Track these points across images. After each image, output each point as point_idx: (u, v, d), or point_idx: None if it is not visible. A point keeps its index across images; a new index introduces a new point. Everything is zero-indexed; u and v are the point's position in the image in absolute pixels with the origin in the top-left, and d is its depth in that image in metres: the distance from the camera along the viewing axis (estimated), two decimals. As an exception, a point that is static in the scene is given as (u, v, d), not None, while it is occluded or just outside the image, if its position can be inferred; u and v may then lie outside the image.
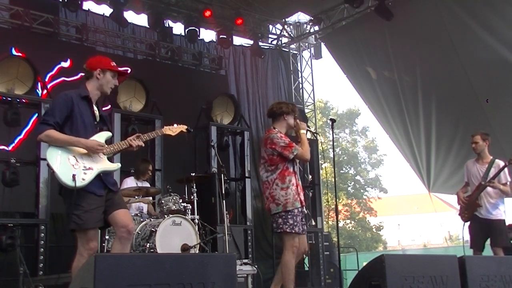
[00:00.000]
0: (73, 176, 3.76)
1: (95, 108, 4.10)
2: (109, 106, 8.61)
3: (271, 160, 4.93)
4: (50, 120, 3.89)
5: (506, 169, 6.23)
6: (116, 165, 4.11)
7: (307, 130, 5.32)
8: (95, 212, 3.86)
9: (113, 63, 4.18)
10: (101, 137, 4.04)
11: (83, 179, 3.82)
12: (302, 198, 4.94)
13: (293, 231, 4.78)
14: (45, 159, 7.44)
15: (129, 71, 9.62)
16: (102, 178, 3.95)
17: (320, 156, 10.96)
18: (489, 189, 6.23)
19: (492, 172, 6.22)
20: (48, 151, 3.87)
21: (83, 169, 3.85)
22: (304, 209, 4.98)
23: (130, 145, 4.09)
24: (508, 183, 6.24)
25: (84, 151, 3.91)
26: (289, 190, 4.85)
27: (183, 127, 4.49)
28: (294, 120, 5.19)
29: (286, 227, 4.78)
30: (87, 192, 3.85)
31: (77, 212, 3.80)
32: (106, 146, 4.02)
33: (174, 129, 4.44)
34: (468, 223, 6.45)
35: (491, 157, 6.36)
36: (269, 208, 4.92)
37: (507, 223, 6.44)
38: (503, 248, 6.19)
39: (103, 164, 3.97)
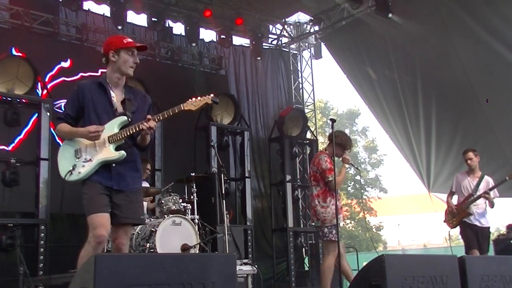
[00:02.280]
0: (71, 169, 3.77)
1: (112, 94, 3.91)
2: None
3: (314, 177, 5.72)
4: (61, 114, 3.93)
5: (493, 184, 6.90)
6: (117, 154, 3.81)
7: (351, 165, 5.92)
8: (97, 199, 3.73)
9: (127, 40, 3.97)
10: (115, 123, 3.85)
11: (79, 172, 3.77)
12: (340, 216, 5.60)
13: (336, 239, 5.50)
14: (45, 159, 7.53)
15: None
16: (112, 169, 3.80)
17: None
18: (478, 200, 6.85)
19: (482, 185, 6.88)
20: (63, 144, 3.93)
21: (83, 162, 3.79)
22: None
23: (141, 129, 3.79)
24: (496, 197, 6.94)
25: (90, 142, 3.81)
26: (329, 209, 5.59)
27: (208, 99, 3.81)
28: (344, 154, 5.77)
29: (332, 236, 5.56)
30: (93, 182, 3.77)
31: (84, 201, 3.76)
32: (116, 130, 3.81)
33: (197, 103, 3.80)
34: (455, 230, 7.14)
35: (481, 172, 7.02)
36: (312, 219, 5.86)
37: (499, 224, 7.00)
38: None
39: (104, 154, 3.79)
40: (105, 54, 3.95)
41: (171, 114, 3.82)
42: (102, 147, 3.81)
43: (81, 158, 3.81)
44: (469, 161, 7.00)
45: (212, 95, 3.85)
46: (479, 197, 6.80)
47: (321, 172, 5.62)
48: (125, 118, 3.87)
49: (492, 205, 6.85)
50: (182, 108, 3.81)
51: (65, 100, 4.02)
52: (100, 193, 3.76)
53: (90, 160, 3.79)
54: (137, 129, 3.80)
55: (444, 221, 7.08)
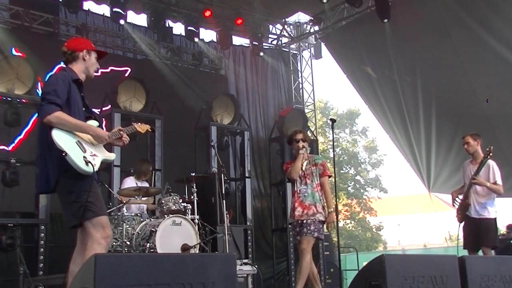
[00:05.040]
0: (86, 161, 3.54)
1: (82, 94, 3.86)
2: (109, 106, 8.60)
3: None
4: (57, 100, 3.57)
5: (496, 169, 6.26)
6: (113, 155, 3.99)
7: (303, 147, 6.14)
8: (101, 198, 3.70)
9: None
10: (94, 124, 3.85)
11: (95, 165, 3.61)
12: (297, 213, 5.83)
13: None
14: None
15: (128, 71, 9.69)
16: None
17: (320, 156, 10.97)
18: (478, 188, 6.27)
19: (483, 171, 6.25)
20: (56, 133, 3.55)
21: (91, 155, 3.63)
22: (301, 219, 5.79)
23: (121, 136, 3.90)
24: (497, 182, 6.23)
25: (86, 137, 3.69)
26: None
27: (148, 127, 4.38)
28: (296, 147, 6.13)
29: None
30: (93, 179, 3.65)
31: (91, 199, 3.56)
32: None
33: (143, 127, 4.32)
34: (455, 229, 6.50)
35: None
36: None
37: (499, 224, 6.44)
38: (492, 248, 6.23)
39: (104, 153, 3.81)
40: (74, 52, 3.87)
41: (132, 130, 4.13)
42: (96, 146, 3.76)
43: (87, 152, 3.63)
44: (465, 146, 6.43)
45: (149, 127, 4.42)
46: (470, 185, 6.20)
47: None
48: (97, 123, 3.94)
49: (496, 191, 6.18)
50: (136, 129, 4.23)
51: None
52: (99, 192, 3.75)
53: (95, 155, 3.68)
54: (117, 136, 3.94)
55: (456, 216, 6.55)
